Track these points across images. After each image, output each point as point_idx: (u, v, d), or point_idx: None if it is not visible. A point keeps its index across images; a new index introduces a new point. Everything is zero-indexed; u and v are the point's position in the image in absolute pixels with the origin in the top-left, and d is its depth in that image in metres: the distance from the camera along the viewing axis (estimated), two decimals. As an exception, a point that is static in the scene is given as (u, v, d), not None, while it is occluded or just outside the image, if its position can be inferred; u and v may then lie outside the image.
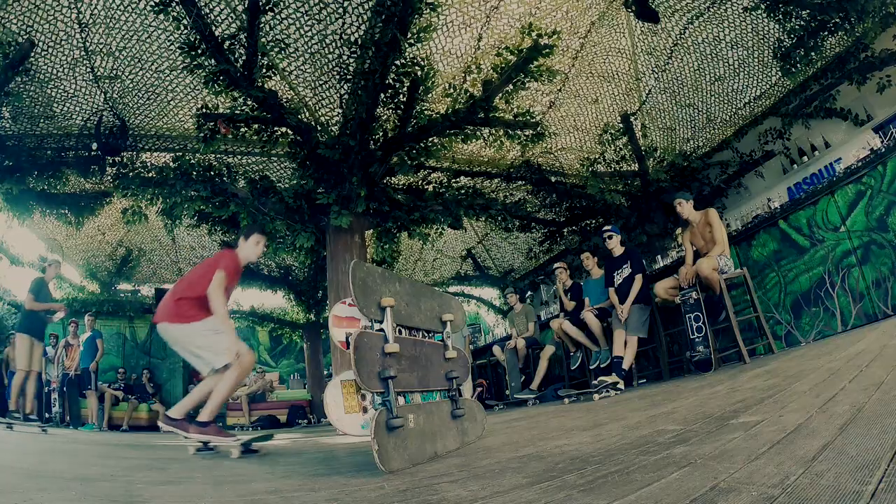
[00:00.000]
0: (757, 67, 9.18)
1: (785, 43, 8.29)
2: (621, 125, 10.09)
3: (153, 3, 6.40)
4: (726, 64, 9.19)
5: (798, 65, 8.41)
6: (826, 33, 7.95)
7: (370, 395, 2.36)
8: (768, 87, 9.59)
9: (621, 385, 5.87)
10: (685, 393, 3.96)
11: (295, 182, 8.48)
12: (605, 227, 7.08)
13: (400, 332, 2.51)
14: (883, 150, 5.51)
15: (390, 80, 7.43)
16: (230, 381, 3.92)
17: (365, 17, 7.09)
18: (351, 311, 2.65)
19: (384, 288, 2.55)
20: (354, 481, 2.08)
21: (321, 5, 7.03)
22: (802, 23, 7.90)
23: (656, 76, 9.55)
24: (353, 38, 7.34)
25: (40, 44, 7.08)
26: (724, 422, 2.06)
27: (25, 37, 6.95)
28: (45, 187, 8.99)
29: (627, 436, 2.28)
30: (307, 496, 1.82)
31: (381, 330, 2.42)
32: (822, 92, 9.25)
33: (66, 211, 9.64)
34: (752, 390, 2.92)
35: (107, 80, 7.77)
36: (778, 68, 8.82)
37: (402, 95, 7.63)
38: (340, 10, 7.08)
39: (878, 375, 2.22)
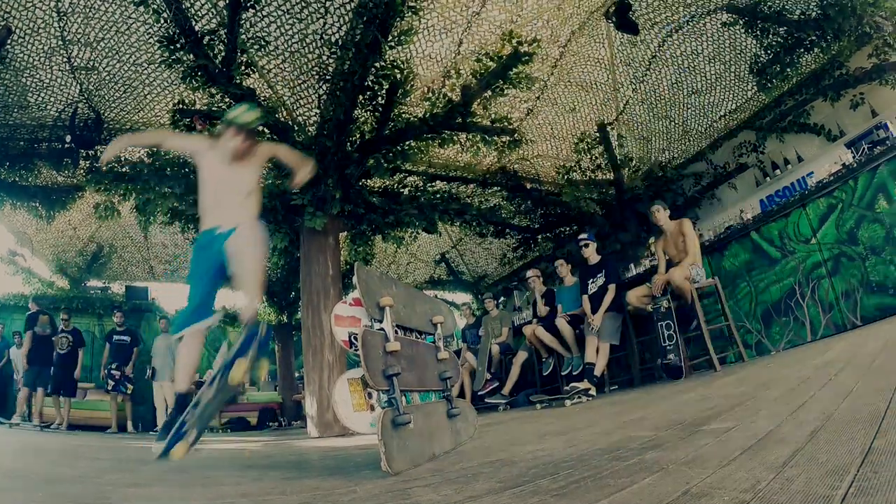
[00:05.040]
0: (733, 81, 9.35)
1: (762, 58, 8.45)
2: (598, 134, 10.17)
3: (133, -6, 6.31)
4: (703, 77, 9.34)
5: (774, 80, 8.57)
6: (802, 50, 8.13)
7: (376, 394, 2.42)
8: (744, 101, 9.76)
9: (593, 391, 5.91)
10: (657, 400, 4.00)
11: (270, 182, 8.40)
12: (581, 235, 7.10)
13: (398, 333, 2.59)
14: (854, 165, 5.65)
15: (369, 82, 7.40)
16: None
17: (346, 17, 7.05)
18: (353, 311, 2.71)
19: (383, 289, 2.62)
20: (326, 485, 2.06)
21: (303, 4, 6.98)
22: (780, 39, 8.07)
23: (634, 87, 9.66)
24: (333, 39, 7.29)
25: (17, 31, 6.91)
26: (696, 428, 2.07)
27: (2, 24, 6.78)
28: (17, 179, 8.79)
29: (599, 441, 2.29)
30: (278, 500, 1.79)
31: (382, 329, 2.50)
32: (796, 107, 9.45)
33: (37, 204, 9.42)
34: (723, 398, 2.96)
35: (83, 71, 7.62)
36: (754, 83, 8.99)
37: (380, 98, 7.60)
38: (322, 10, 7.03)
39: (848, 384, 2.26)
